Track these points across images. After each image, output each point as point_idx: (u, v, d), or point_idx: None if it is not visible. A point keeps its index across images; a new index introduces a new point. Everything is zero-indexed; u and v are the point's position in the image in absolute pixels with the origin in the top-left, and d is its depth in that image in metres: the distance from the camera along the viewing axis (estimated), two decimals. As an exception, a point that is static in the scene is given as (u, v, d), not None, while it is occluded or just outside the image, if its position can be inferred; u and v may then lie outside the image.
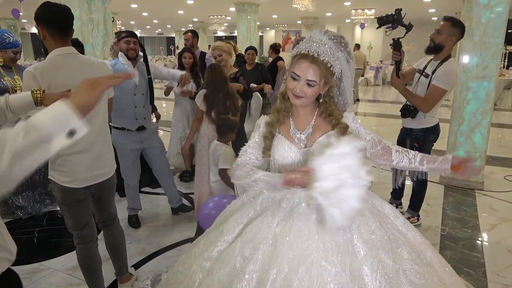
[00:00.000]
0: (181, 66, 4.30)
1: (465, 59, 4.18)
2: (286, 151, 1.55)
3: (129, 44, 3.07)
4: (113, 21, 7.69)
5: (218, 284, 1.48)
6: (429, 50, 3.03)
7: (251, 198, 1.69)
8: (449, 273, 1.66)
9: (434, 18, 16.26)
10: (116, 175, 2.30)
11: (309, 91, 1.48)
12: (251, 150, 1.61)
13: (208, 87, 3.29)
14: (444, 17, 3.03)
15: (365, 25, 15.95)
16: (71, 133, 0.93)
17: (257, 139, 1.63)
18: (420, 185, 3.36)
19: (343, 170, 1.25)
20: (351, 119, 1.58)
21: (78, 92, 0.98)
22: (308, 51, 1.46)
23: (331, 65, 1.47)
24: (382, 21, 2.76)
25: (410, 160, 1.63)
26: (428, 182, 3.41)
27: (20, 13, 10.32)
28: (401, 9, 2.70)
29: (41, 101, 1.63)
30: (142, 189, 4.22)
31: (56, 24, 1.94)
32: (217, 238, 1.63)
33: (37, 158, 0.88)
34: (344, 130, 1.53)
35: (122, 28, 17.84)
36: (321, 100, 1.57)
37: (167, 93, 4.60)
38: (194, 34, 5.00)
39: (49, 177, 2.06)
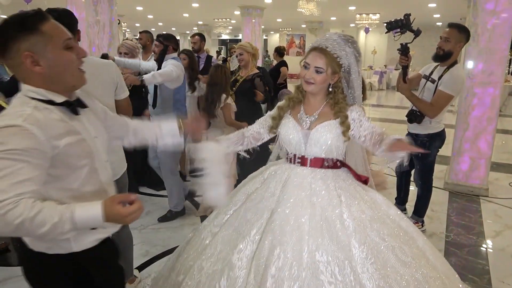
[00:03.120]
0: None
1: (471, 65, 4.18)
2: (290, 128, 1.79)
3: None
4: (118, 24, 7.74)
5: (221, 242, 1.72)
6: (438, 58, 3.01)
7: (259, 175, 1.94)
8: (442, 261, 1.81)
9: (439, 24, 16.25)
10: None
11: (317, 78, 1.70)
12: (256, 125, 1.92)
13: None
14: (450, 24, 3.02)
15: (370, 29, 15.94)
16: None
17: (265, 118, 1.91)
18: (425, 191, 3.34)
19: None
20: (356, 111, 1.75)
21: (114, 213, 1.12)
22: (318, 44, 1.72)
23: (338, 57, 1.69)
24: (390, 26, 2.75)
25: (380, 145, 1.71)
26: (433, 188, 3.40)
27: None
28: (409, 14, 2.69)
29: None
30: (146, 191, 4.24)
31: None
32: (226, 208, 1.87)
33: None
34: (344, 119, 1.72)
35: (127, 30, 17.93)
36: (330, 89, 1.77)
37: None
38: (202, 37, 5.02)
39: None
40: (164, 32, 3.68)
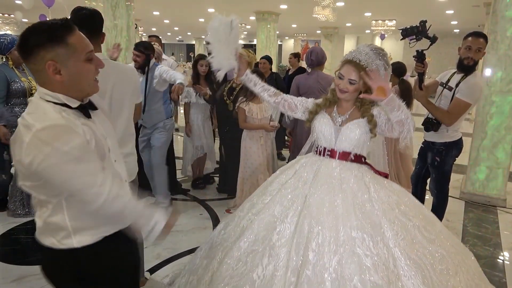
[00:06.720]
0: (196, 75, 4.16)
1: (489, 72, 4.10)
2: (325, 123, 1.99)
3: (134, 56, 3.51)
4: (135, 28, 7.85)
5: (258, 225, 1.87)
6: (468, 69, 2.93)
7: (290, 167, 2.09)
8: (459, 244, 2.01)
9: (456, 31, 16.04)
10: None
11: (351, 88, 1.90)
12: (297, 99, 2.12)
13: None
14: (477, 33, 2.92)
15: (385, 36, 15.83)
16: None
17: (309, 100, 2.10)
18: (440, 200, 3.28)
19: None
20: (377, 109, 1.94)
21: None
22: (352, 58, 1.89)
23: (370, 70, 1.85)
24: (406, 32, 2.71)
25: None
26: (449, 198, 3.34)
27: (47, 19, 10.65)
28: (426, 21, 2.65)
29: None
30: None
31: (83, 27, 1.98)
32: (263, 197, 2.03)
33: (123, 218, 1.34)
34: (370, 117, 1.91)
35: (144, 34, 18.16)
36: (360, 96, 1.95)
37: (186, 111, 4.34)
38: None
39: None
40: (143, 40, 3.88)
